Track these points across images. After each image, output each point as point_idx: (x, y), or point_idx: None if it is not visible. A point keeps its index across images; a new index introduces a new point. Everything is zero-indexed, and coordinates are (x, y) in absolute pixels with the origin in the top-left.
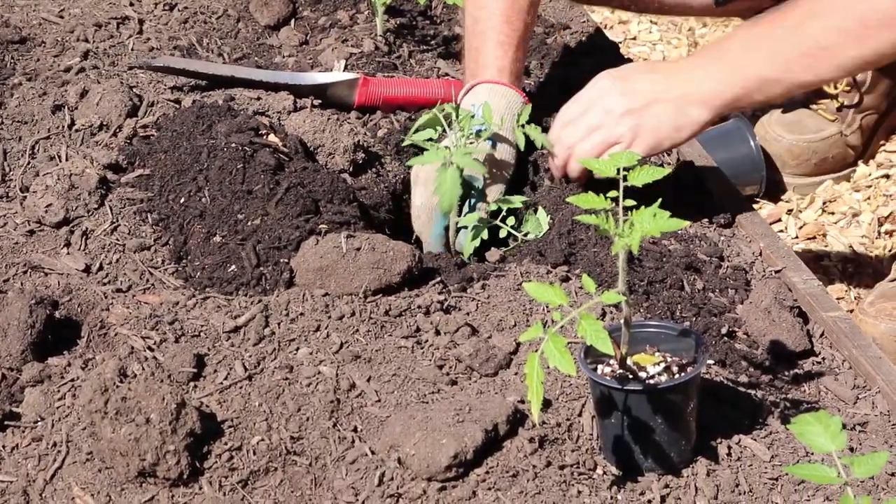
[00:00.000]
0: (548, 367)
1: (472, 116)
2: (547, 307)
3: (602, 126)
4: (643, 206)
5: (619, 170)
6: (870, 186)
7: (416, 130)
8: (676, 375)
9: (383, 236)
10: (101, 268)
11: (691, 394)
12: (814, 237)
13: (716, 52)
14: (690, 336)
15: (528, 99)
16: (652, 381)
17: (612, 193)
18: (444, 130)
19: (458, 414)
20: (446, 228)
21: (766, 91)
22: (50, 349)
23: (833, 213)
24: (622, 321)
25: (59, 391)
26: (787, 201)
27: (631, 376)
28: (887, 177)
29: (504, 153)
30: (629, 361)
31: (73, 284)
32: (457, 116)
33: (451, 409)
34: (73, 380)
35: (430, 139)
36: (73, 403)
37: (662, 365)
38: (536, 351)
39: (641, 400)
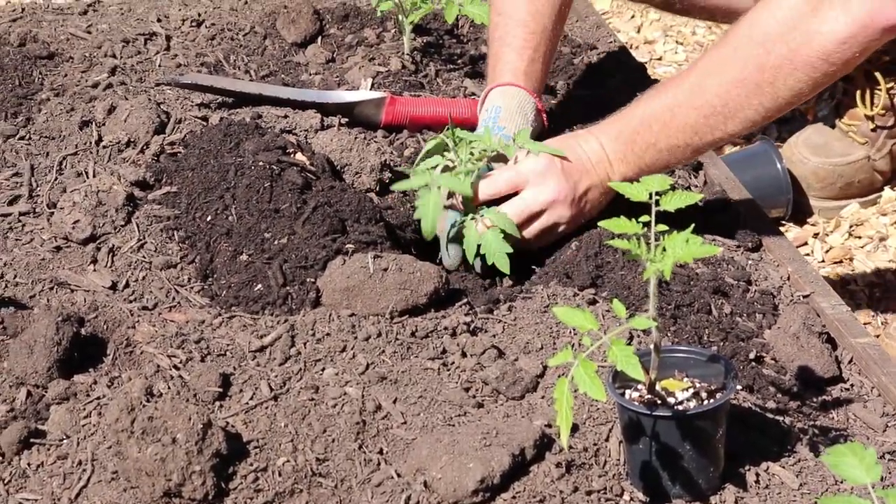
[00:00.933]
0: (575, 391)
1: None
2: (574, 330)
3: (550, 210)
4: (674, 231)
5: (651, 194)
6: None
7: (425, 156)
8: (705, 401)
9: (410, 257)
10: (127, 285)
11: (720, 420)
12: (840, 261)
13: (623, 130)
14: (719, 361)
15: (542, 104)
16: (681, 407)
17: (644, 218)
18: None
19: (485, 437)
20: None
21: (679, 156)
22: (76, 367)
23: (860, 238)
24: (652, 346)
25: (84, 409)
26: (813, 224)
27: (659, 402)
28: None
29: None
30: (658, 387)
31: (99, 301)
32: (457, 141)
33: (478, 433)
34: (98, 398)
35: (437, 166)
36: (99, 422)
37: (691, 391)
38: (565, 375)
39: (670, 426)
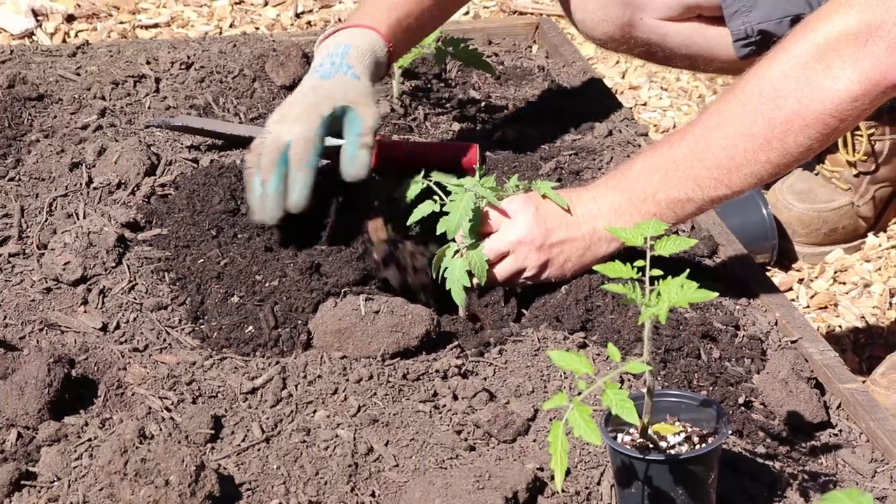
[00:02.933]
0: (567, 433)
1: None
2: (565, 374)
3: (516, 253)
4: (670, 276)
5: (646, 239)
6: (880, 258)
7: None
8: (697, 446)
9: (402, 299)
10: (118, 326)
11: (712, 464)
12: (825, 307)
13: (622, 180)
14: (711, 406)
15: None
16: (673, 451)
17: (639, 263)
18: (441, 199)
19: (478, 481)
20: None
21: (679, 212)
22: (67, 408)
23: (844, 283)
24: (645, 391)
25: (76, 451)
26: (798, 270)
27: (651, 446)
28: None
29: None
30: (650, 431)
31: (89, 343)
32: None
33: (471, 476)
34: (90, 439)
35: (434, 212)
36: (91, 464)
37: (683, 435)
38: (559, 418)
39: (663, 470)
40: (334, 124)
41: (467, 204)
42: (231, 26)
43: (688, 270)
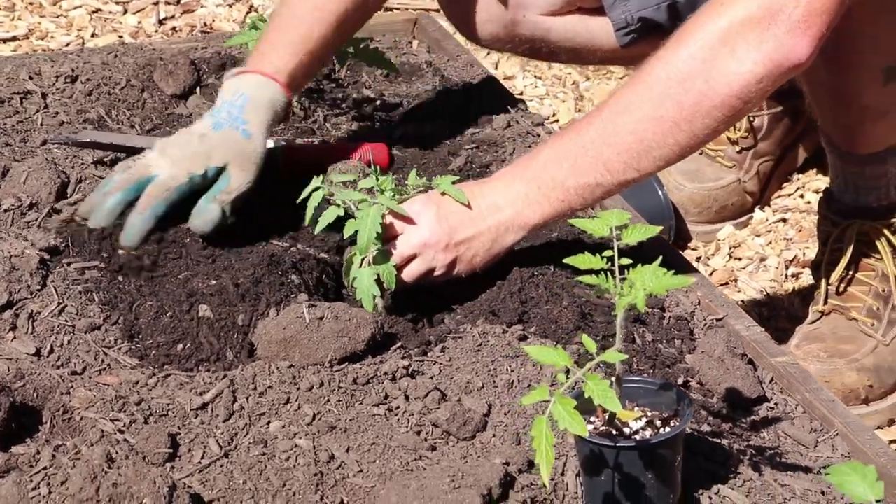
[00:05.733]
0: (524, 427)
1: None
2: (510, 367)
3: (422, 256)
4: (640, 265)
5: (611, 229)
6: (770, 231)
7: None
8: (661, 430)
9: (344, 304)
10: (51, 350)
11: (679, 447)
12: (725, 283)
13: (528, 169)
14: (671, 390)
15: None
16: (639, 437)
17: (608, 253)
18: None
19: (453, 480)
20: None
21: (589, 197)
22: (12, 437)
23: (740, 259)
24: (613, 379)
25: (31, 480)
26: (693, 249)
27: (615, 433)
28: (784, 221)
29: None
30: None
31: (24, 369)
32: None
33: (445, 476)
34: (45, 468)
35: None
36: (50, 493)
37: (644, 420)
38: (541, 413)
39: (633, 456)
40: (205, 182)
41: (374, 218)
42: (93, 36)
43: (661, 258)
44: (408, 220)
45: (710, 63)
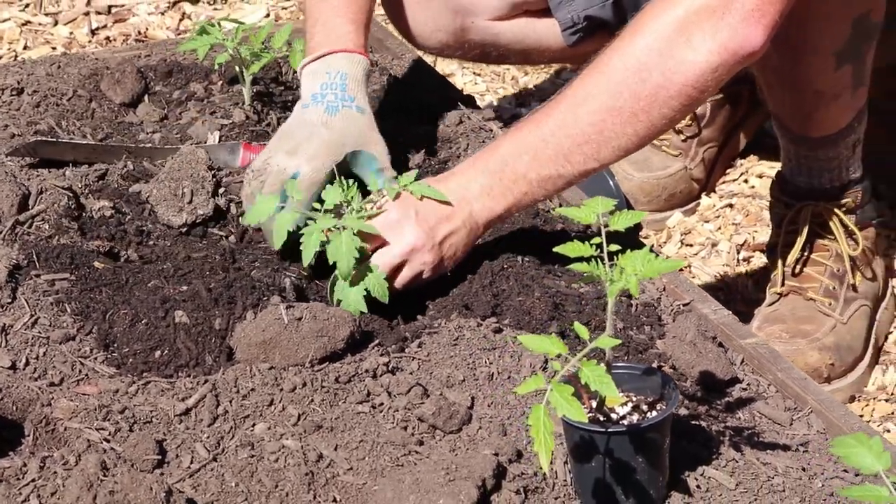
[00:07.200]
0: (509, 418)
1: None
2: (489, 360)
3: (411, 262)
4: (629, 251)
5: (598, 216)
6: (718, 216)
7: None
8: (648, 414)
9: (321, 304)
10: (27, 363)
11: (667, 430)
12: (680, 270)
13: (489, 162)
14: (655, 374)
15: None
16: (625, 422)
17: (596, 240)
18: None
19: (448, 472)
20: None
21: (550, 188)
22: None
23: (692, 245)
24: (603, 365)
25: (21, 493)
26: (645, 237)
27: (603, 418)
28: (731, 206)
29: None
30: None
31: (1, 383)
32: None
33: (439, 469)
34: (33, 480)
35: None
36: None
37: (630, 405)
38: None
39: (623, 441)
40: (342, 164)
41: (349, 245)
42: (25, 48)
43: (651, 244)
44: (387, 230)
45: (666, 53)
